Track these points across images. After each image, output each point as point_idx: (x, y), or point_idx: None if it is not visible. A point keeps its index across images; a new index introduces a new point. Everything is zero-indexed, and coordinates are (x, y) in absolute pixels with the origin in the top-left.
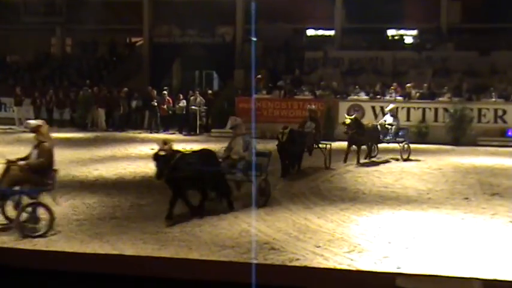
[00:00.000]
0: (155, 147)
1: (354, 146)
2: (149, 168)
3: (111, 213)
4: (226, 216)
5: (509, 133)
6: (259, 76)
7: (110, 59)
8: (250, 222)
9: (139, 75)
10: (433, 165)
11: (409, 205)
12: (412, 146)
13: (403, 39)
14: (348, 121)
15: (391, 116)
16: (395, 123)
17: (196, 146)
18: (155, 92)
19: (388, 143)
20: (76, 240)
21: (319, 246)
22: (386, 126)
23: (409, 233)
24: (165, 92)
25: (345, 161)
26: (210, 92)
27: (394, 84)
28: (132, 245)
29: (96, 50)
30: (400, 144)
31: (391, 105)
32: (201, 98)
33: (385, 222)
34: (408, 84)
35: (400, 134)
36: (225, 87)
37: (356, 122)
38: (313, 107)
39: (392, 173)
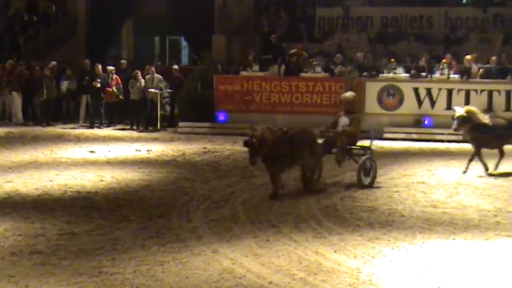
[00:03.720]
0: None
1: None
2: (88, 179)
3: (31, 246)
4: (201, 250)
5: None
6: (293, 51)
7: (29, 18)
8: (236, 259)
9: (72, 43)
10: (503, 174)
11: (468, 232)
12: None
13: None
14: None
15: None
16: None
17: (156, 146)
18: (100, 67)
19: None
20: None
21: None
22: None
23: (468, 273)
24: (111, 67)
25: None
26: (175, 67)
27: (447, 55)
28: None
29: (7, 5)
30: None
31: None
32: (159, 76)
33: (433, 258)
34: (468, 56)
35: None
36: (198, 61)
37: None
38: (348, 94)
39: (444, 186)
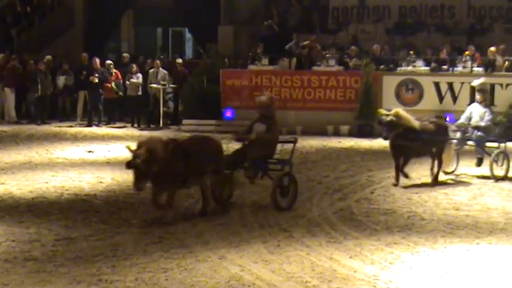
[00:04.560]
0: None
1: None
2: (86, 181)
3: (25, 252)
4: (207, 256)
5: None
6: (305, 43)
7: (23, 9)
8: (244, 265)
9: (68, 35)
10: None
11: (493, 236)
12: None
13: None
14: None
15: None
16: None
17: None
18: (97, 61)
19: None
20: None
21: None
22: None
23: (494, 279)
24: (110, 61)
25: None
26: (179, 61)
27: (470, 47)
28: None
29: None
30: None
31: None
32: (165, 71)
33: (455, 264)
34: (492, 48)
35: None
36: (203, 54)
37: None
38: (264, 97)
39: (468, 188)
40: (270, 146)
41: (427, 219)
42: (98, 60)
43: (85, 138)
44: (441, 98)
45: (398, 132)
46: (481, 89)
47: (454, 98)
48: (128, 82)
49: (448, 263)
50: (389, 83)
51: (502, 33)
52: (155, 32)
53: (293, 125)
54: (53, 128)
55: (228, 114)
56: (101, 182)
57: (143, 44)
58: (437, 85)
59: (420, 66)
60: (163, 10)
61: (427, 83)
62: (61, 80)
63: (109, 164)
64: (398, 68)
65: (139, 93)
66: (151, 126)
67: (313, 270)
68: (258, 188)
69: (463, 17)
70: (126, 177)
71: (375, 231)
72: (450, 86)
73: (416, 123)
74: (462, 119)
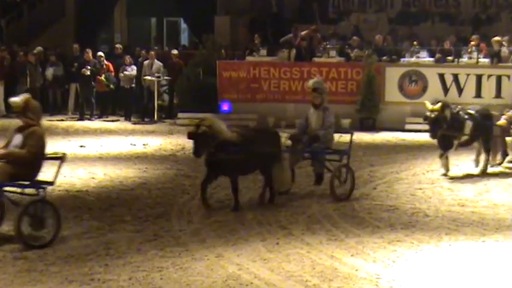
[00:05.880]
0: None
1: None
2: (77, 177)
3: (15, 251)
4: (204, 254)
5: None
6: (305, 32)
7: None
8: (242, 264)
9: (59, 26)
10: None
11: (499, 233)
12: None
13: None
14: None
15: None
16: None
17: (153, 140)
18: (90, 53)
19: None
20: None
21: None
22: None
23: (500, 277)
24: (101, 53)
25: None
26: (174, 52)
27: (475, 36)
28: None
29: None
30: None
31: None
32: (160, 62)
33: (460, 262)
34: (496, 38)
35: None
36: (199, 45)
37: None
38: (18, 99)
39: (473, 183)
40: (25, 165)
41: (431, 216)
42: (90, 52)
43: (77, 132)
44: (446, 90)
45: (214, 146)
46: (317, 89)
47: (460, 90)
48: (121, 74)
49: (453, 261)
50: (392, 75)
51: (509, 23)
52: (149, 22)
53: (292, 118)
54: (43, 121)
55: (225, 107)
56: (93, 178)
57: (137, 34)
58: (442, 77)
59: (424, 57)
60: None
61: (431, 74)
62: (50, 71)
63: (101, 159)
64: (402, 59)
65: (133, 85)
66: (146, 119)
67: (314, 268)
68: (255, 184)
69: (468, 6)
70: (119, 172)
71: (377, 229)
72: (455, 77)
73: (232, 134)
74: (297, 128)
